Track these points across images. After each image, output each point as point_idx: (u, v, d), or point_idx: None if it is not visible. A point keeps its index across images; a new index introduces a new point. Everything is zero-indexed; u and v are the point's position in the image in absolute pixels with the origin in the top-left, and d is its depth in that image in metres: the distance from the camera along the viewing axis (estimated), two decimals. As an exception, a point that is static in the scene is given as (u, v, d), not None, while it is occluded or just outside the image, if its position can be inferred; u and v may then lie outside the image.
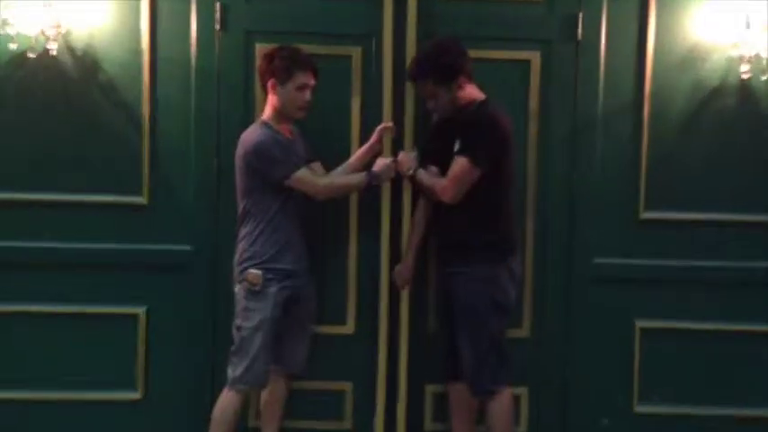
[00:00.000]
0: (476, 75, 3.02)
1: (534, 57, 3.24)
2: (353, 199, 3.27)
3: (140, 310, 3.28)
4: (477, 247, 2.95)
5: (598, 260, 3.31)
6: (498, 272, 2.97)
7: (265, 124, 2.99)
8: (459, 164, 2.90)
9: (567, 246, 3.30)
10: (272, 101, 3.00)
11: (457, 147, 2.93)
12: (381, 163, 3.08)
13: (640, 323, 3.33)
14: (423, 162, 3.08)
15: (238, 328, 2.98)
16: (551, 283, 3.32)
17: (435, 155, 3.04)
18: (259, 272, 2.94)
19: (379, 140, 3.14)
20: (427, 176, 3.02)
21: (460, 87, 2.93)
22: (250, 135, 2.96)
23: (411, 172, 3.05)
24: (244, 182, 2.98)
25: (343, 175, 3.12)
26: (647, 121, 3.27)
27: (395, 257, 3.14)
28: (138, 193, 3.24)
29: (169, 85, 3.21)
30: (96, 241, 3.25)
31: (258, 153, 2.90)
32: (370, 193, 3.15)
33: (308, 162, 3.08)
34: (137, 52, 3.19)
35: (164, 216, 3.26)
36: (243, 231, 3.01)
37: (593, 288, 3.30)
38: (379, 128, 3.14)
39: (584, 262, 3.30)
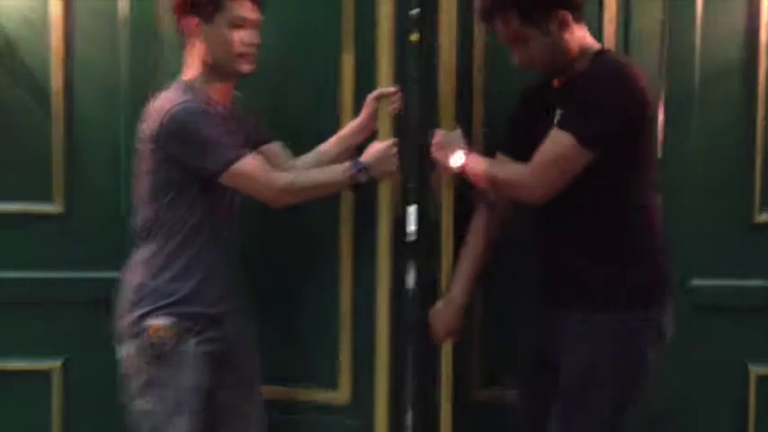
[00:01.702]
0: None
1: (602, -2, 2.69)
2: (347, 198, 2.61)
3: (55, 365, 2.78)
4: (605, 286, 2.15)
5: (697, 282, 2.79)
6: (640, 327, 2.16)
7: (189, 87, 2.22)
8: (556, 140, 2.07)
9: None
10: (198, 50, 2.23)
11: (557, 118, 2.12)
12: (375, 148, 2.31)
13: (756, 368, 2.81)
14: (486, 152, 2.36)
15: (144, 415, 2.21)
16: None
17: (515, 141, 2.28)
18: (168, 321, 2.18)
19: (373, 115, 2.40)
20: (491, 165, 2.24)
21: (565, 27, 2.11)
22: (166, 103, 2.17)
23: (461, 162, 2.26)
24: (151, 176, 2.22)
25: (314, 169, 2.36)
26: (762, 88, 2.72)
27: (399, 291, 2.55)
28: (48, 198, 2.74)
29: (90, 47, 2.71)
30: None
31: (179, 131, 2.14)
32: (366, 192, 2.48)
33: (257, 145, 2.32)
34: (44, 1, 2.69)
35: (85, 231, 2.75)
36: (141, 253, 2.25)
37: (691, 320, 2.75)
38: (372, 95, 2.40)
39: (679, 285, 2.72)
